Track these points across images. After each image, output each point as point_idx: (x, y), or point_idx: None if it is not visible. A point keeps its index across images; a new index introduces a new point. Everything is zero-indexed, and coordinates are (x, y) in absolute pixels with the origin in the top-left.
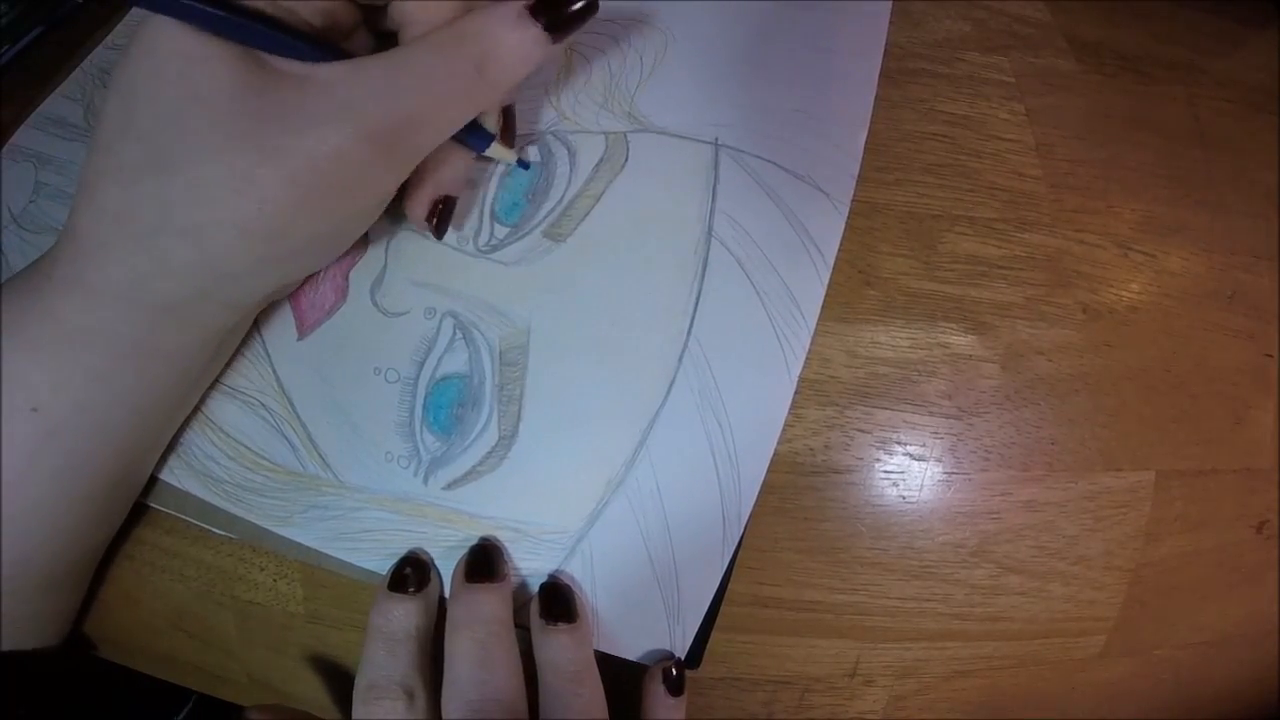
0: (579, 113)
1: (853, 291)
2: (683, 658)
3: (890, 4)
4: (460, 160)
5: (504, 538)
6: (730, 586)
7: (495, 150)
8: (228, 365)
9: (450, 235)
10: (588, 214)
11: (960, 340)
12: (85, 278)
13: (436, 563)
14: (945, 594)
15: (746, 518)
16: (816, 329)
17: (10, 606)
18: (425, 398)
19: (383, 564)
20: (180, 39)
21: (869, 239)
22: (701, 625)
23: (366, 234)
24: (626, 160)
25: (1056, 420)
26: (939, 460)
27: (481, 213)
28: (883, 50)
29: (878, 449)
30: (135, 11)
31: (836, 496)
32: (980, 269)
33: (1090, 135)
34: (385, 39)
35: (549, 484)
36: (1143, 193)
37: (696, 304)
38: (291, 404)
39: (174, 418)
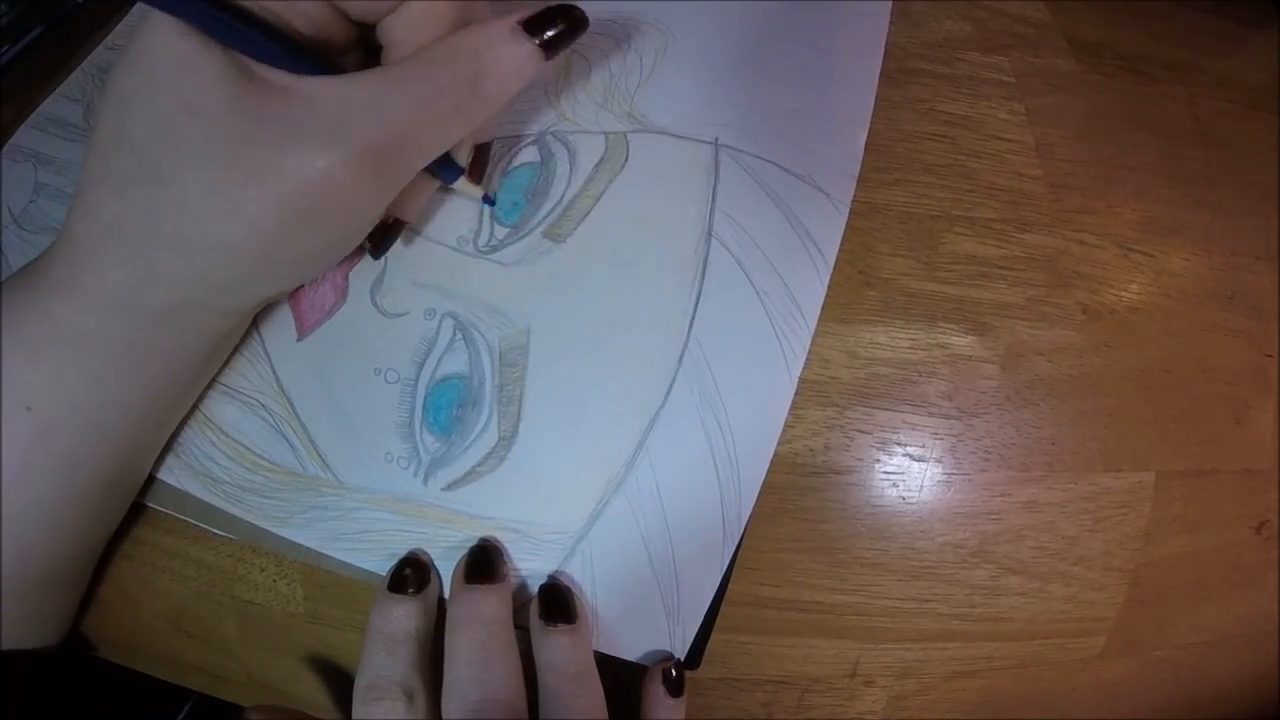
0: (579, 113)
1: (853, 292)
2: (682, 658)
3: (890, 4)
4: (424, 188)
5: (504, 538)
6: (730, 587)
7: (462, 185)
8: (227, 366)
9: (450, 236)
10: (587, 214)
11: (960, 341)
12: (80, 281)
13: (436, 563)
14: (945, 594)
15: (746, 518)
16: (816, 329)
17: (9, 605)
18: (425, 398)
19: (382, 564)
20: (174, 44)
21: (869, 239)
22: (701, 626)
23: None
24: (626, 160)
25: (1056, 420)
26: (939, 461)
27: (481, 213)
28: (883, 50)
29: (878, 450)
30: (135, 12)
31: (836, 497)
32: (980, 269)
33: (1090, 135)
34: (376, 58)
35: (549, 484)
36: (1143, 193)
37: (696, 304)
38: (291, 404)
39: (170, 419)
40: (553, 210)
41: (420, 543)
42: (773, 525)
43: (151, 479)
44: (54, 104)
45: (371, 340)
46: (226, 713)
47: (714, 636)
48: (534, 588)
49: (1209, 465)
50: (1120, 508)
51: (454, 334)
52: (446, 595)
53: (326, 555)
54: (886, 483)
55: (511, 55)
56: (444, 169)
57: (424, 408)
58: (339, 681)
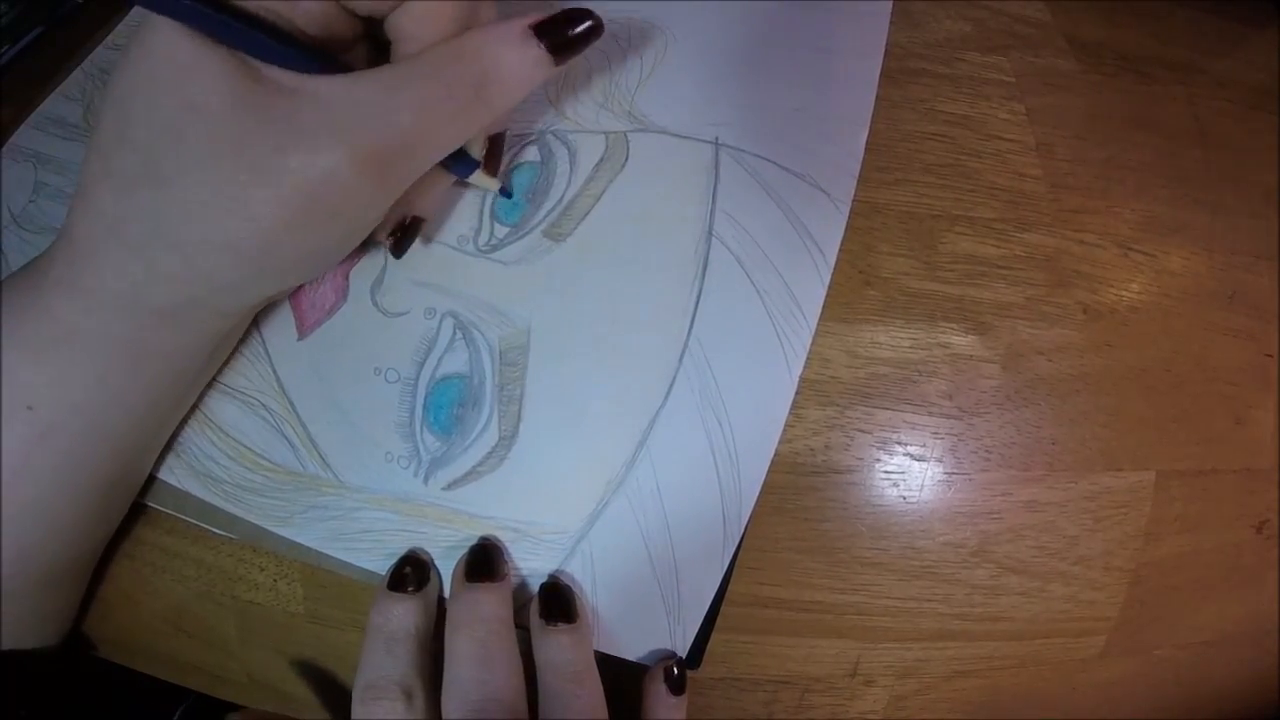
0: (579, 112)
1: (853, 292)
2: (683, 658)
3: (891, 4)
4: (439, 183)
5: (504, 538)
6: (731, 586)
7: (478, 178)
8: (227, 365)
9: (450, 235)
10: (588, 214)
11: (960, 340)
12: (81, 280)
13: (436, 563)
14: (946, 594)
15: (747, 517)
16: (817, 329)
17: (10, 604)
18: (425, 398)
19: (382, 564)
20: (177, 45)
21: (869, 239)
22: (702, 625)
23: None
24: (627, 160)
25: (1057, 420)
26: (939, 460)
27: (481, 212)
28: (883, 50)
29: (878, 449)
30: (135, 12)
31: (837, 497)
32: (980, 269)
33: (1090, 135)
34: (384, 51)
35: (549, 484)
36: (1143, 193)
37: (697, 303)
38: (291, 404)
39: (170, 418)
40: (553, 209)
41: (420, 542)
42: (773, 525)
43: (152, 478)
44: (54, 104)
45: (372, 339)
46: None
47: (714, 636)
48: (534, 587)
49: (1209, 465)
50: (1120, 507)
51: (454, 333)
52: (447, 594)
53: (327, 555)
54: (887, 482)
55: (520, 59)
56: (458, 163)
57: (424, 407)
58: (339, 681)
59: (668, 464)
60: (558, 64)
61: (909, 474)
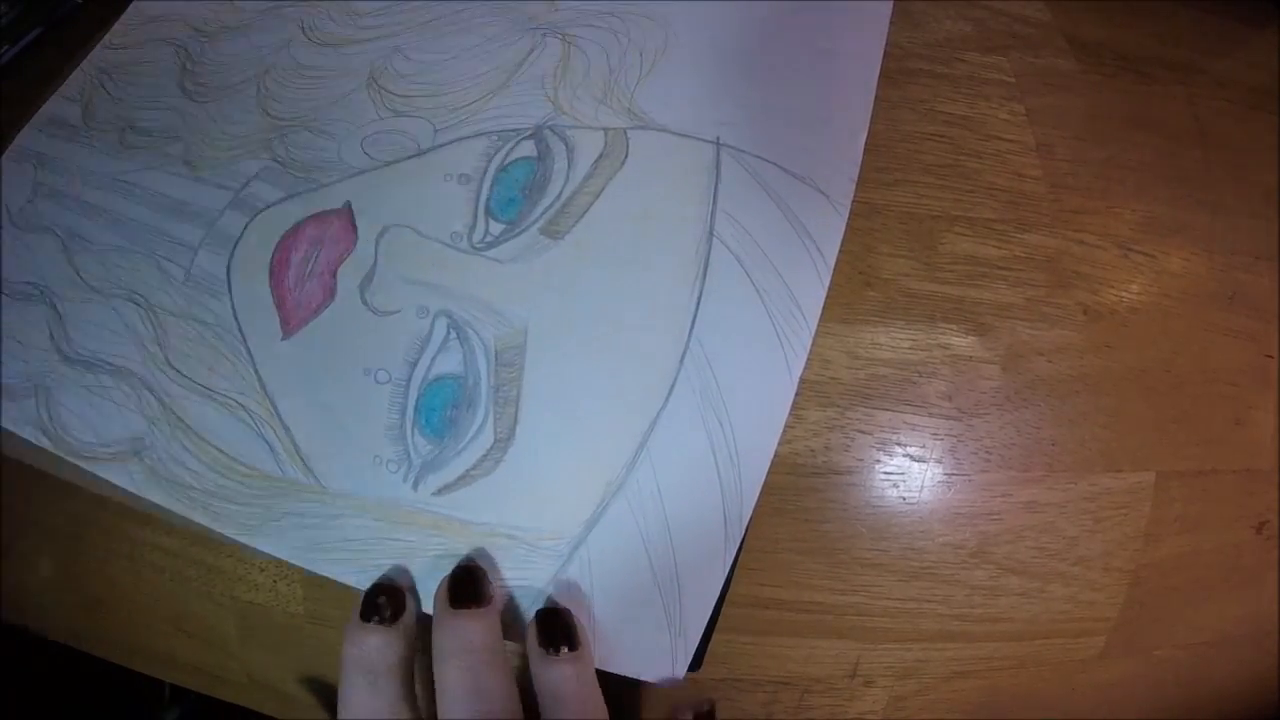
0: (577, 108)
1: (853, 293)
2: (685, 664)
3: (891, 4)
4: None
5: (498, 544)
6: (731, 587)
7: None
8: (205, 365)
9: (443, 231)
10: (586, 211)
11: (960, 341)
12: None
13: (423, 573)
14: (945, 595)
15: (748, 519)
16: (817, 330)
17: None
18: (417, 399)
19: (360, 576)
20: None
21: (869, 240)
22: (705, 629)
23: (355, 229)
24: (626, 157)
25: (1056, 421)
26: (939, 461)
27: (475, 208)
28: (883, 51)
29: (878, 450)
30: (134, 12)
31: (837, 498)
32: (980, 270)
33: (1090, 135)
34: None
35: (547, 488)
36: (1143, 193)
37: (698, 304)
38: (274, 406)
39: None
40: (550, 206)
41: (405, 551)
42: (773, 526)
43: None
44: (53, 104)
45: (361, 339)
46: (225, 712)
47: (715, 636)
48: (531, 593)
49: (1209, 465)
50: (1120, 508)
51: (448, 333)
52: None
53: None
54: (887, 483)
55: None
56: None
57: (416, 409)
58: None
59: (668, 466)
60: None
61: (909, 475)
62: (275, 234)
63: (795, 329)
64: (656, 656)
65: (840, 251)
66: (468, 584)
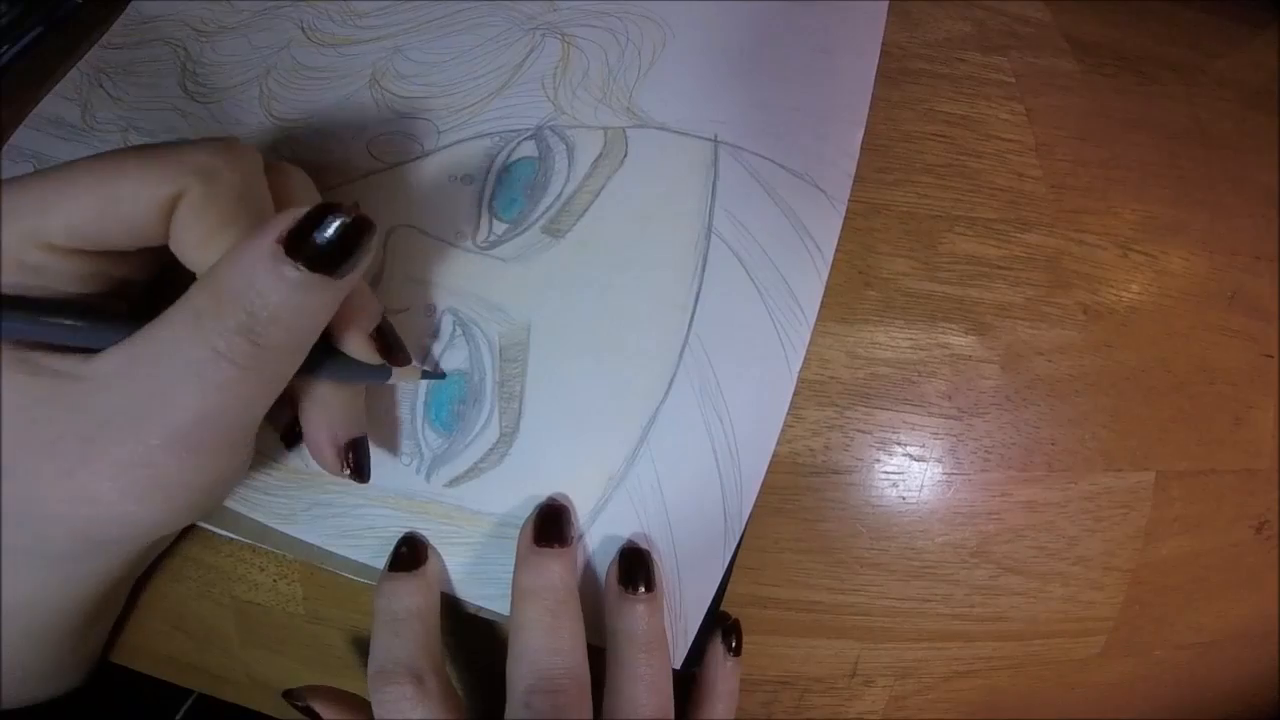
0: (576, 107)
1: (853, 292)
2: (684, 656)
3: (887, 3)
4: (350, 399)
5: (507, 535)
6: (730, 586)
7: (396, 376)
8: None
9: (448, 231)
10: (586, 210)
11: (960, 341)
12: None
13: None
14: (945, 594)
15: (747, 514)
16: (816, 330)
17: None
18: (426, 395)
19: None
20: None
21: (869, 239)
22: (702, 623)
23: None
24: (625, 156)
25: (1056, 420)
26: (939, 461)
27: (480, 208)
28: (879, 49)
29: (878, 449)
30: (133, 11)
31: (836, 497)
32: (980, 269)
33: (1090, 135)
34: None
35: (551, 480)
36: (1143, 193)
37: (697, 300)
38: None
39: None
40: (551, 206)
41: None
42: (773, 525)
43: None
44: (52, 104)
45: None
46: (227, 712)
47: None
48: None
49: (1209, 465)
50: (1120, 508)
51: (454, 330)
52: (453, 589)
53: (330, 554)
54: (886, 483)
55: (283, 289)
56: (365, 374)
57: (425, 404)
58: (339, 682)
59: (669, 460)
60: (337, 278)
61: (909, 474)
62: None
63: (794, 324)
64: None
65: (840, 251)
66: (553, 523)
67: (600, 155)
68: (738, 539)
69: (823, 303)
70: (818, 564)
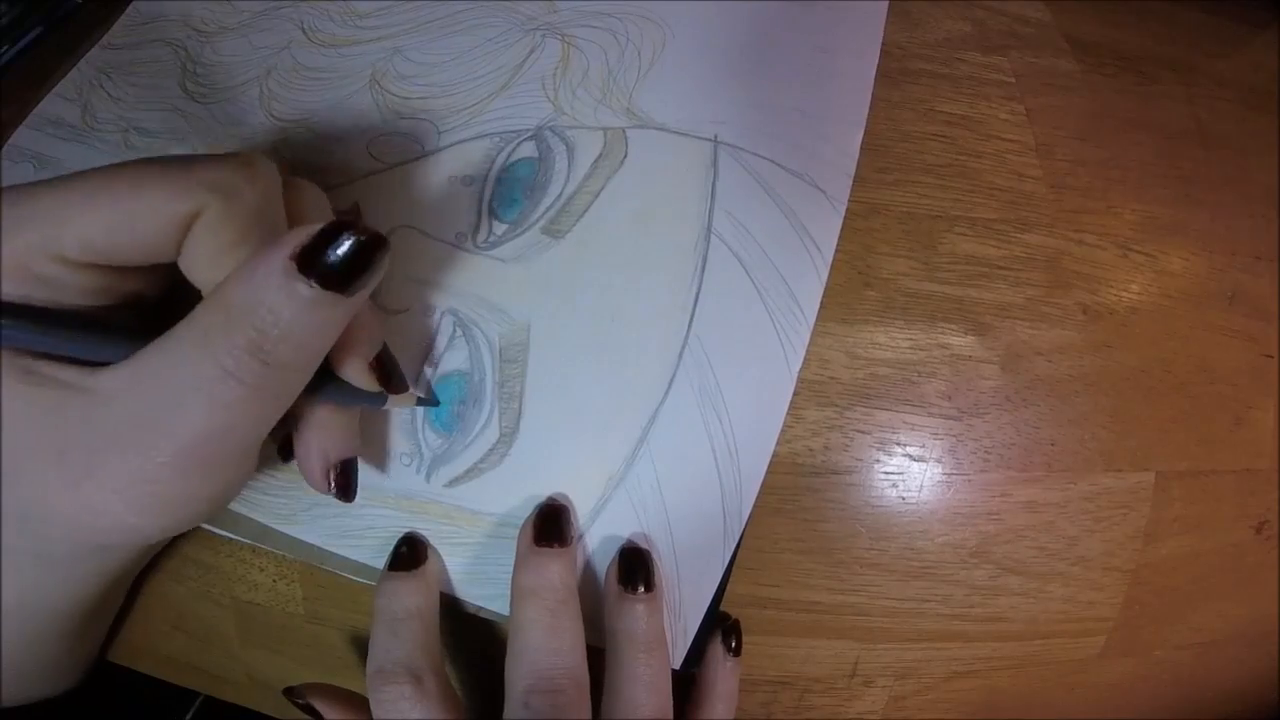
0: (576, 108)
1: (852, 292)
2: (683, 657)
3: (887, 3)
4: (346, 421)
5: (507, 535)
6: (730, 587)
7: (393, 403)
8: None
9: (448, 232)
10: (586, 210)
11: (960, 341)
12: None
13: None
14: (945, 594)
15: (747, 514)
16: (816, 330)
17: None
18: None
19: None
20: None
21: (869, 239)
22: (701, 624)
23: None
24: (625, 156)
25: (1056, 421)
26: (939, 461)
27: (479, 209)
28: (879, 49)
29: (877, 450)
30: (133, 11)
31: (836, 497)
32: (980, 269)
33: (1090, 135)
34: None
35: (551, 480)
36: (1143, 193)
37: (696, 300)
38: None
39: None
40: (551, 206)
41: None
42: (773, 525)
43: None
44: (51, 104)
45: None
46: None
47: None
48: None
49: (1209, 465)
50: (1120, 508)
51: (454, 330)
52: (453, 590)
53: (329, 554)
54: (886, 483)
55: (292, 308)
56: (360, 399)
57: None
58: (338, 682)
59: (668, 460)
60: (347, 297)
61: (908, 475)
62: None
63: (793, 324)
64: None
65: (839, 251)
66: (553, 522)
67: (600, 156)
68: (737, 539)
69: (822, 303)
70: (817, 564)
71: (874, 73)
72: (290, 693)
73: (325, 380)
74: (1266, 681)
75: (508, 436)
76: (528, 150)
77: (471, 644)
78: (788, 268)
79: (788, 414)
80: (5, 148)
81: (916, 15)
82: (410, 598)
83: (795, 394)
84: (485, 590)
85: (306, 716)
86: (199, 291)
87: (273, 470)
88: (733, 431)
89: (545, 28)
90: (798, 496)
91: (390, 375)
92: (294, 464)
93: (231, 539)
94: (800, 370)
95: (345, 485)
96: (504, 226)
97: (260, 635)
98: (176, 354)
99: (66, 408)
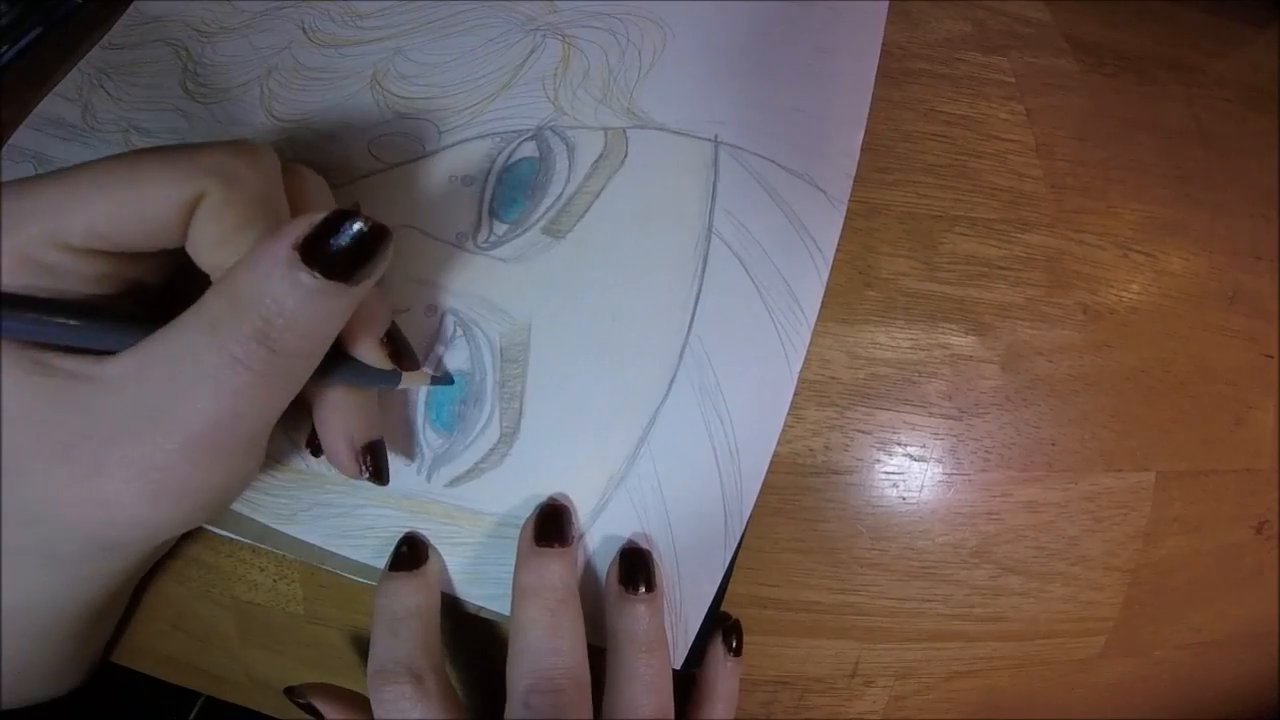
0: (577, 108)
1: (853, 292)
2: (684, 657)
3: (887, 3)
4: (364, 402)
5: (507, 535)
6: (731, 587)
7: (406, 380)
8: None
9: (449, 232)
10: (587, 210)
11: (960, 341)
12: None
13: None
14: (945, 594)
15: (748, 514)
16: (817, 330)
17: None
18: (427, 395)
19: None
20: None
21: (869, 239)
22: (702, 624)
23: None
24: (626, 156)
25: (1056, 421)
26: (939, 461)
27: (480, 209)
28: (879, 50)
29: (878, 450)
30: (133, 11)
31: (837, 497)
32: (980, 269)
33: (1090, 135)
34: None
35: (551, 481)
36: (1143, 193)
37: (697, 300)
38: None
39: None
40: (552, 206)
41: None
42: (773, 525)
43: None
44: (51, 104)
45: None
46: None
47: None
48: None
49: (1209, 465)
50: (1120, 508)
51: (455, 330)
52: (454, 589)
53: (329, 554)
54: (886, 483)
55: (296, 298)
56: (375, 379)
57: (426, 405)
58: (339, 682)
59: (669, 459)
60: (351, 286)
61: (909, 474)
62: None
63: (794, 324)
64: None
65: (840, 251)
66: (554, 523)
67: (601, 156)
68: (738, 539)
69: (823, 303)
70: (818, 564)
71: (874, 73)
72: (291, 692)
73: (338, 362)
74: (1266, 681)
75: (508, 436)
76: (528, 150)
77: (472, 644)
78: (788, 267)
79: (788, 414)
80: (5, 148)
81: (916, 15)
82: (411, 597)
83: (796, 394)
84: (486, 590)
85: (307, 716)
86: (200, 279)
87: (274, 471)
88: (733, 431)
89: (546, 28)
90: (798, 496)
91: (402, 352)
92: (293, 464)
93: (232, 539)
94: (801, 370)
95: (377, 467)
96: (505, 226)
97: (260, 635)
98: (184, 342)
99: (73, 398)
